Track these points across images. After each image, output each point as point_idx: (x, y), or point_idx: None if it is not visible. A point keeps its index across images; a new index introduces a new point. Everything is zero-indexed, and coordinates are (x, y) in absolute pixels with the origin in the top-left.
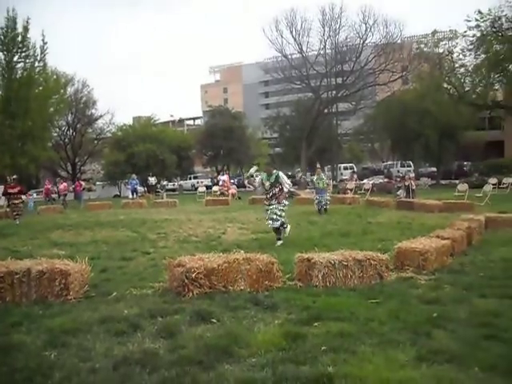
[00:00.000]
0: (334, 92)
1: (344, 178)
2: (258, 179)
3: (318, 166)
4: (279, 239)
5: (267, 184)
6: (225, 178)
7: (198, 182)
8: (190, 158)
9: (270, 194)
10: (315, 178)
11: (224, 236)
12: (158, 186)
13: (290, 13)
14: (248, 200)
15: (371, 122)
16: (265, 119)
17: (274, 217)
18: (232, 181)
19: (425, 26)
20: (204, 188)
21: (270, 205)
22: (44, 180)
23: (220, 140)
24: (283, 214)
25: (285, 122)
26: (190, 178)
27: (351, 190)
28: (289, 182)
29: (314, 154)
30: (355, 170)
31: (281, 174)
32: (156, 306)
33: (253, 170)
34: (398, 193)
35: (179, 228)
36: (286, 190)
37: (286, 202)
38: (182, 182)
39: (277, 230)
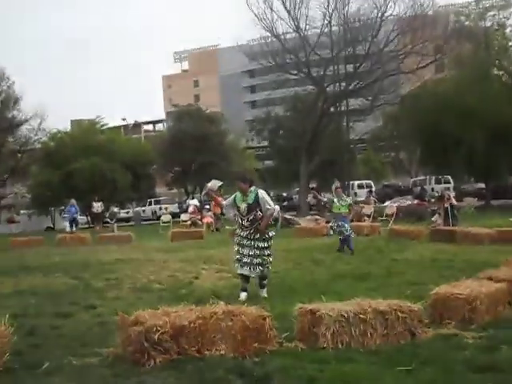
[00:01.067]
0: (344, 84)
1: (359, 199)
2: (226, 202)
3: (338, 184)
4: (262, 285)
5: (243, 207)
6: (196, 202)
7: (160, 209)
8: (149, 176)
9: (247, 221)
10: (335, 200)
11: (197, 282)
12: (107, 214)
13: None
14: (229, 232)
15: (394, 123)
16: (250, 122)
17: (260, 261)
18: (207, 206)
19: None
20: (169, 216)
21: (249, 239)
22: None
23: (190, 151)
24: (270, 253)
25: (277, 125)
26: (150, 204)
27: (369, 215)
28: (271, 202)
29: (317, 168)
30: (373, 188)
31: (262, 191)
32: (104, 381)
33: (212, 183)
34: (434, 219)
35: (136, 272)
36: (269, 213)
37: (271, 234)
38: (138, 208)
39: (266, 276)
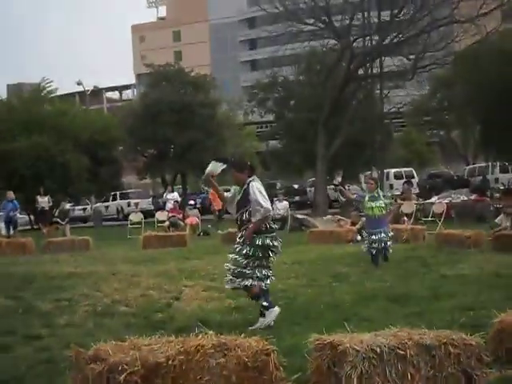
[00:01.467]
0: (376, 37)
1: (396, 194)
2: (230, 193)
3: (371, 174)
4: (262, 314)
5: (234, 203)
6: (176, 196)
7: (129, 205)
8: (114, 160)
9: (238, 222)
10: (367, 197)
11: (178, 303)
12: (56, 212)
13: None
14: (221, 236)
15: (445, 91)
16: (250, 89)
17: (234, 269)
18: (192, 202)
19: None
20: (140, 215)
21: (238, 243)
22: None
23: (169, 128)
24: (255, 264)
25: (286, 93)
26: (115, 198)
27: (409, 215)
28: (264, 200)
29: (340, 151)
30: (416, 179)
31: (254, 184)
32: None
33: (212, 167)
34: (498, 220)
35: (96, 290)
36: (258, 216)
37: (268, 241)
38: (99, 204)
39: (249, 291)
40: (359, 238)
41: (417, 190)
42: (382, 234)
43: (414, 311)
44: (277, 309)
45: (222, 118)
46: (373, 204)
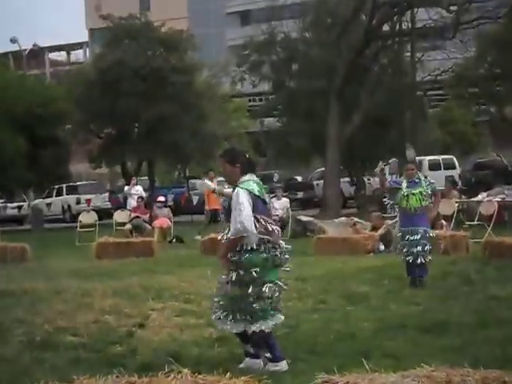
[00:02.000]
0: None
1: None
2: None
3: (413, 157)
4: (255, 356)
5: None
6: (140, 190)
7: (78, 202)
8: (58, 143)
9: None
10: (404, 183)
11: (143, 332)
12: None
13: None
14: (201, 244)
15: (496, 54)
16: (240, 49)
17: (220, 302)
18: (162, 198)
19: None
20: (93, 216)
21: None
22: None
23: (132, 100)
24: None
25: (288, 54)
26: (60, 193)
27: (449, 218)
28: (246, 210)
29: (358, 132)
30: (458, 170)
31: (239, 190)
32: None
33: (210, 182)
34: None
35: (33, 313)
36: (233, 232)
37: (255, 270)
38: (39, 201)
39: (242, 337)
40: (382, 247)
41: (459, 185)
42: (419, 236)
43: (454, 344)
44: (284, 365)
45: (202, 88)
46: (408, 191)
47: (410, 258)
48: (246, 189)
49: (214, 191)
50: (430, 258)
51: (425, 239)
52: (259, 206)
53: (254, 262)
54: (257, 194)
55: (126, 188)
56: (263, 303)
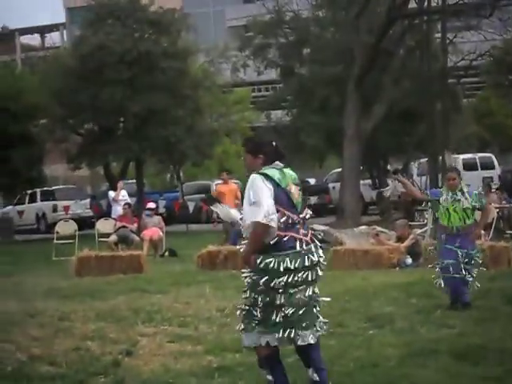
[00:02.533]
0: None
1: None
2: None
3: (454, 164)
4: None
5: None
6: (125, 196)
7: (55, 210)
8: (31, 140)
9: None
10: (443, 197)
11: (131, 361)
12: None
13: None
14: (198, 258)
15: None
16: (242, 31)
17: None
18: (152, 205)
19: None
20: (73, 225)
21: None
22: None
23: (117, 90)
24: (262, 303)
25: (298, 37)
26: (34, 199)
27: (489, 226)
28: (267, 204)
29: (381, 126)
30: (498, 170)
31: (255, 178)
32: None
33: (226, 210)
34: None
35: (3, 339)
36: (249, 230)
37: (276, 263)
38: (9, 208)
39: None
40: (409, 260)
41: (498, 187)
42: (460, 254)
43: (494, 373)
44: None
45: (199, 76)
46: (450, 206)
47: (448, 280)
48: (265, 173)
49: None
50: (471, 287)
51: (467, 259)
52: (280, 195)
53: (268, 265)
54: (277, 181)
55: (111, 193)
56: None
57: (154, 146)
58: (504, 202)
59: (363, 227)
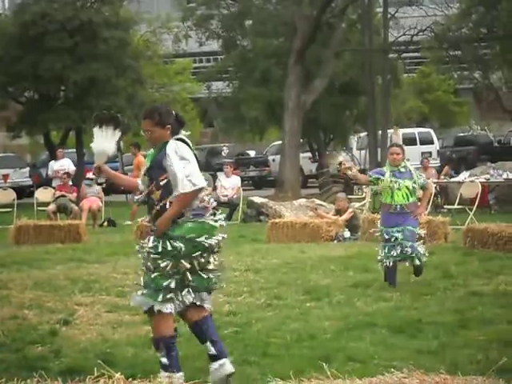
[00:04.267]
0: None
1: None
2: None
3: (399, 138)
4: (164, 367)
5: (143, 180)
6: (67, 164)
7: None
8: None
9: (148, 205)
10: (387, 174)
11: (68, 330)
12: None
13: None
14: (137, 228)
15: (484, 11)
16: (184, 1)
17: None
18: (91, 176)
19: None
20: (11, 194)
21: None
22: None
23: (58, 58)
24: (172, 271)
25: (241, 8)
26: None
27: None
28: (189, 171)
29: (322, 98)
30: (436, 145)
31: (172, 144)
32: None
33: (99, 154)
34: None
35: None
36: (179, 198)
37: (194, 234)
38: None
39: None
40: (347, 233)
41: (437, 163)
42: (406, 233)
43: (430, 346)
44: (179, 376)
45: (140, 46)
46: (395, 184)
47: (389, 262)
48: (183, 139)
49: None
50: (424, 258)
51: (410, 238)
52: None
53: (184, 234)
54: (192, 149)
55: (52, 164)
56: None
57: (93, 115)
58: (445, 177)
59: (302, 200)
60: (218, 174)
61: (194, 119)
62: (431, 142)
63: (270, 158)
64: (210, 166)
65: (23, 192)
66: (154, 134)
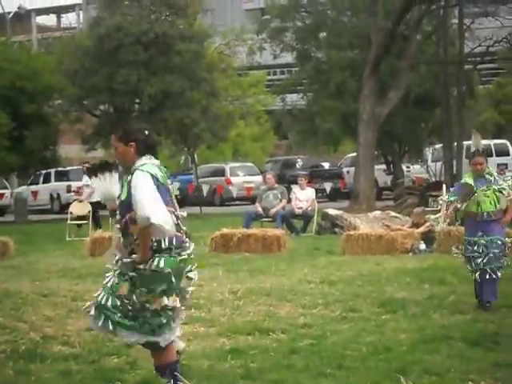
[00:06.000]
0: None
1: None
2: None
3: (480, 147)
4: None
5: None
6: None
7: (70, 191)
8: (47, 121)
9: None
10: (467, 179)
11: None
12: None
13: None
14: (210, 240)
15: None
16: (258, 14)
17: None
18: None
19: None
20: (87, 206)
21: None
22: None
23: (133, 72)
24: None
25: (315, 20)
26: (48, 179)
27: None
28: (149, 203)
29: (397, 110)
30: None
31: (139, 174)
32: None
33: (106, 195)
34: None
35: (17, 319)
36: (143, 225)
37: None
38: (23, 188)
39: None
40: (423, 246)
41: None
42: (493, 246)
43: (507, 359)
44: None
45: (214, 59)
46: (481, 191)
47: (478, 274)
48: (148, 172)
49: None
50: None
51: (500, 250)
52: (164, 194)
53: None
54: (161, 180)
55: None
56: (165, 315)
57: (168, 128)
58: None
59: (377, 212)
60: (293, 186)
61: (268, 131)
62: (507, 154)
63: (345, 170)
64: (284, 178)
65: (98, 204)
66: (118, 149)
